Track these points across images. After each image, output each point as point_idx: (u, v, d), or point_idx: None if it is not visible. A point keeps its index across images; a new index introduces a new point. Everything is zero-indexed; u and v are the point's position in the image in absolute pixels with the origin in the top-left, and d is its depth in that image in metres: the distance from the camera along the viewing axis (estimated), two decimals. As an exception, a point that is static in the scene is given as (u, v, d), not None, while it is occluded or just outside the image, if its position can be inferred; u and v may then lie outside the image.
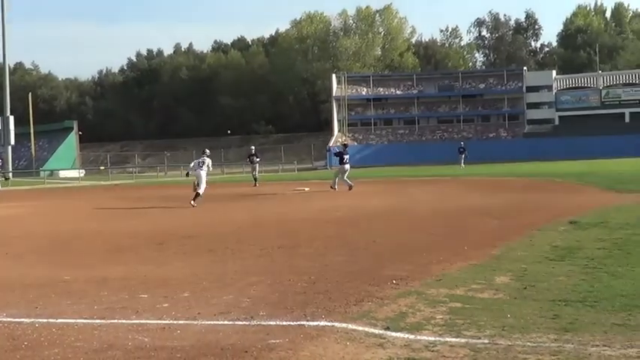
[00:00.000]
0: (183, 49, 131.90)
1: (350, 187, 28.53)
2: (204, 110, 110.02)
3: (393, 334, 6.18)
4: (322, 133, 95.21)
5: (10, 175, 60.73)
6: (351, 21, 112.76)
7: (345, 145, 33.31)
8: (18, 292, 8.76)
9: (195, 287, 8.62)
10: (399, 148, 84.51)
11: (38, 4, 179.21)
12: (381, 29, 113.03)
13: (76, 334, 6.55)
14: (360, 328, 6.38)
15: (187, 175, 27.45)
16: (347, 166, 30.37)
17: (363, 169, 58.96)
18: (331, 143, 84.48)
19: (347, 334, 6.19)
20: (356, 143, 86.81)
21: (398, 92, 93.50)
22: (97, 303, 7.91)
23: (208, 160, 25.54)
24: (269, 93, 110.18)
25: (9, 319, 7.23)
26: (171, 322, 6.89)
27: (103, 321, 7.02)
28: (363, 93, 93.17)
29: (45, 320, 7.13)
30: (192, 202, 23.40)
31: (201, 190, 24.19)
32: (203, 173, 24.84)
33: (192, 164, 26.15)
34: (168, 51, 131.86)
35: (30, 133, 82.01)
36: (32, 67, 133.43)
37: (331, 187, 29.15)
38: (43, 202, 30.41)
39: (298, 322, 6.66)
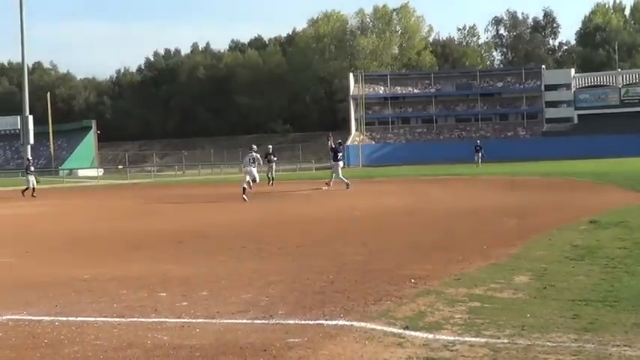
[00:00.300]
0: (200, 49, 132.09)
1: (347, 186, 28.86)
2: (221, 109, 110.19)
3: (412, 333, 6.16)
4: (340, 132, 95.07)
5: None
6: (368, 20, 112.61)
7: (340, 144, 33.79)
8: (38, 291, 8.81)
9: (214, 286, 8.63)
10: (417, 146, 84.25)
11: (56, 3, 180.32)
12: (398, 28, 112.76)
13: (95, 332, 6.57)
14: (379, 328, 6.36)
15: (244, 172, 28.87)
16: (340, 163, 31.15)
17: (380, 168, 58.94)
18: (349, 142, 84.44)
19: (366, 334, 6.17)
20: (373, 142, 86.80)
21: (415, 91, 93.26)
22: (117, 301, 7.94)
23: (257, 156, 27.14)
24: (286, 92, 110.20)
25: (29, 318, 7.26)
26: (190, 320, 6.90)
27: (122, 319, 7.03)
28: (381, 92, 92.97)
29: (65, 318, 7.15)
30: (243, 196, 24.74)
31: (252, 184, 25.98)
32: (254, 169, 26.51)
33: (244, 160, 27.64)
34: (185, 50, 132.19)
35: (49, 133, 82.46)
36: (51, 67, 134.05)
37: (326, 183, 29.87)
38: (62, 200, 30.57)
39: (317, 321, 6.64)
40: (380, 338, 6.03)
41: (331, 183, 29.69)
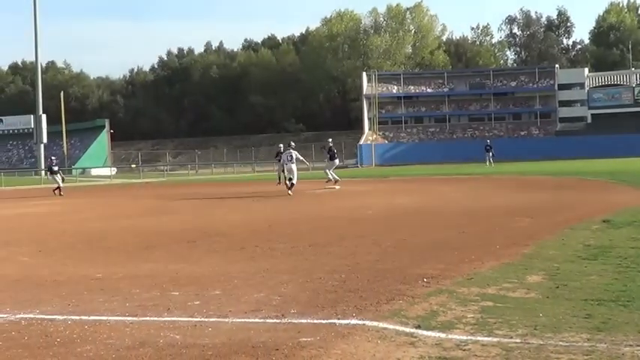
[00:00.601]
0: (213, 48, 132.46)
1: (336, 181, 30.49)
2: (234, 108, 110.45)
3: (425, 332, 6.15)
4: (353, 131, 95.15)
5: (42, 173, 61.35)
6: (381, 19, 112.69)
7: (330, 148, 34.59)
8: (51, 289, 8.84)
9: (226, 285, 8.64)
10: (430, 146, 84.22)
11: (70, 3, 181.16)
12: (411, 27, 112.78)
13: (108, 331, 6.59)
14: (391, 327, 6.35)
15: (283, 170, 30.37)
16: (336, 161, 32.65)
17: (393, 167, 58.93)
18: (362, 141, 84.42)
19: (378, 333, 6.16)
20: (386, 141, 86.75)
21: (429, 90, 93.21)
22: (129, 300, 7.96)
23: (295, 152, 27.99)
24: (299, 91, 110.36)
25: (42, 316, 7.29)
26: (202, 319, 6.90)
27: (134, 318, 7.05)
28: (394, 91, 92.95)
29: (77, 317, 7.17)
30: (289, 192, 26.48)
31: (294, 180, 27.21)
32: (294, 166, 27.51)
33: (282, 159, 28.94)
34: (198, 49, 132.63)
35: (62, 132, 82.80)
36: (64, 66, 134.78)
37: (327, 181, 30.95)
38: (75, 199, 30.70)
39: (329, 321, 6.64)
40: (392, 337, 6.02)
41: (332, 181, 30.79)
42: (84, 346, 6.07)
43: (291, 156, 27.74)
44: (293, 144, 29.39)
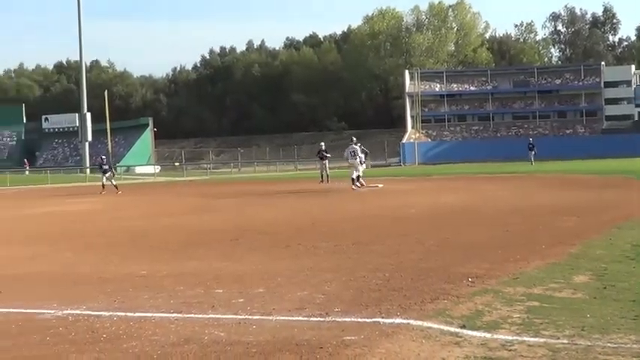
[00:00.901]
0: (255, 47, 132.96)
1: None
2: (276, 107, 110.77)
3: (470, 332, 6.09)
4: (395, 129, 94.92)
5: (88, 171, 62.13)
6: (423, 16, 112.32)
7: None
8: (96, 286, 8.93)
9: (269, 283, 8.65)
10: (473, 144, 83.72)
11: (114, 3, 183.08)
12: (454, 25, 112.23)
13: (153, 327, 6.63)
14: (436, 326, 6.30)
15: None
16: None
17: (436, 165, 58.71)
18: (404, 140, 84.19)
19: (422, 332, 6.12)
20: (429, 140, 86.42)
21: (472, 88, 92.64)
22: (174, 297, 8.01)
23: (357, 147, 28.64)
24: (341, 89, 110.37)
25: (88, 312, 7.37)
26: (246, 317, 6.91)
27: (179, 315, 7.09)
28: (437, 89, 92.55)
29: (123, 314, 7.24)
30: (352, 186, 27.31)
31: (360, 174, 28.15)
32: (357, 161, 28.09)
33: (345, 154, 29.43)
34: (240, 48, 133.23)
35: (106, 130, 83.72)
36: (108, 65, 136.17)
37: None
38: (119, 197, 31.00)
39: (373, 319, 6.60)
40: (437, 337, 5.97)
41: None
42: (129, 342, 6.12)
43: (354, 151, 28.30)
44: (355, 139, 29.71)
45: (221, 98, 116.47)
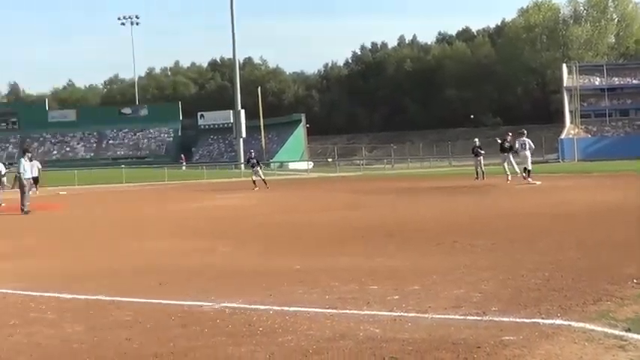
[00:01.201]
0: (407, 42, 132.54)
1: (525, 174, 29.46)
2: (428, 102, 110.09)
3: (635, 336, 5.82)
4: (553, 124, 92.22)
5: (242, 166, 63.66)
6: (581, 8, 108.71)
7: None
8: (252, 280, 9.12)
9: (424, 280, 8.56)
10: (637, 140, 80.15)
11: (266, 1, 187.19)
12: (614, 16, 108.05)
13: (308, 322, 6.69)
14: (599, 329, 6.06)
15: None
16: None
17: (597, 162, 56.78)
18: (563, 135, 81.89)
19: (585, 334, 5.90)
20: (589, 136, 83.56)
21: (634, 82, 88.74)
22: (328, 293, 8.05)
23: (528, 140, 29.01)
24: (495, 83, 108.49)
25: (245, 306, 7.51)
26: (402, 314, 6.86)
27: (334, 311, 7.11)
28: (597, 83, 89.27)
29: (279, 308, 7.33)
30: (528, 179, 28.18)
31: (529, 167, 28.67)
32: (528, 153, 28.65)
33: (516, 145, 29.76)
34: (392, 44, 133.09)
35: (260, 126, 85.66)
36: (260, 62, 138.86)
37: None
38: (273, 193, 31.61)
39: (532, 320, 6.43)
40: (600, 340, 5.74)
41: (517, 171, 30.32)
42: (285, 336, 6.19)
43: (525, 144, 28.64)
44: (525, 132, 29.80)
45: (373, 94, 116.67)
